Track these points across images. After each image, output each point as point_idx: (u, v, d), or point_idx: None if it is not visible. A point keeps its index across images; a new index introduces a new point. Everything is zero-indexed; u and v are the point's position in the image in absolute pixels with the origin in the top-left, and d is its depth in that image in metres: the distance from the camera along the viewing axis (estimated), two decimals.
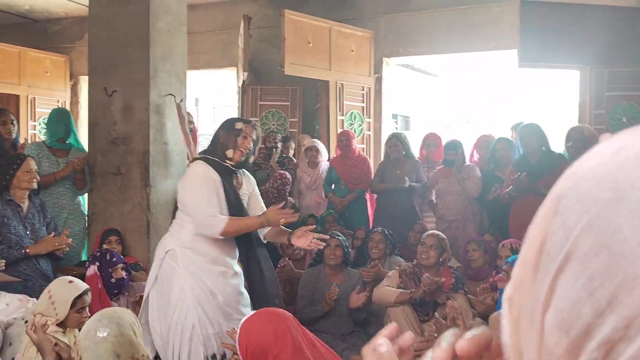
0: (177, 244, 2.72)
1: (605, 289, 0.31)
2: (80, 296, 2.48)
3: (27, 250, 3.20)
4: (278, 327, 1.84)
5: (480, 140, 5.06)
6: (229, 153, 2.74)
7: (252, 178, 3.00)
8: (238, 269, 2.88)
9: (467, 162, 4.80)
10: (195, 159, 2.86)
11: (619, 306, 0.30)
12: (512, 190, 3.96)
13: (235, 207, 2.75)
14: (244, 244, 2.83)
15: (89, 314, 2.36)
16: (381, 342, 0.54)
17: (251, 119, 3.06)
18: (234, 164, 2.76)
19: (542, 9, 4.81)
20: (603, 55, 4.74)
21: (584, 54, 4.78)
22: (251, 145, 2.78)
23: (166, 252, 2.73)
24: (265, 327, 1.85)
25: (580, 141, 4.10)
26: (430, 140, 5.20)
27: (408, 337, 0.57)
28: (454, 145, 4.71)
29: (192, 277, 2.69)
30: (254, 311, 2.02)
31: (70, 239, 3.34)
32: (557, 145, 4.44)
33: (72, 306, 2.44)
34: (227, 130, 2.77)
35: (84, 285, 2.54)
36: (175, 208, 3.19)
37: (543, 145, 4.08)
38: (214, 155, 2.75)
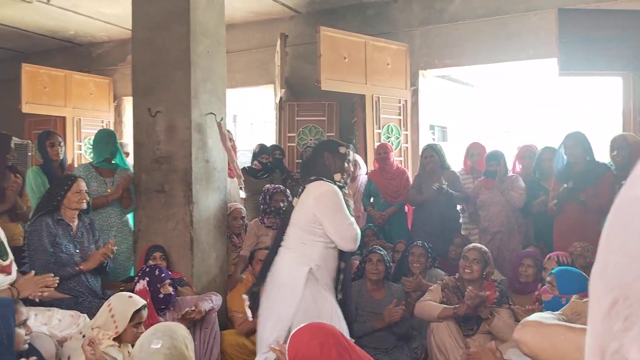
0: (313, 264, 2.74)
1: None
2: (138, 311, 2.56)
3: (80, 267, 3.32)
4: (324, 342, 1.88)
5: (522, 150, 4.99)
6: (337, 177, 2.84)
7: None
8: None
9: (510, 172, 4.73)
10: (311, 179, 2.84)
11: None
12: (556, 203, 3.89)
13: None
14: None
15: (144, 330, 2.43)
16: None
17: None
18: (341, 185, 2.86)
19: (581, 16, 4.74)
20: None
21: (625, 60, 4.68)
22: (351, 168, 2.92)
23: (308, 271, 2.72)
24: (312, 341, 1.89)
25: (625, 149, 4.00)
26: (474, 150, 5.15)
27: None
28: (496, 156, 4.65)
29: (329, 292, 2.78)
30: (305, 324, 2.05)
31: (115, 247, 3.44)
32: (601, 154, 4.34)
33: (130, 320, 2.53)
34: (332, 153, 2.86)
35: (142, 301, 2.63)
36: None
37: (587, 155, 4.00)
38: (325, 177, 2.82)
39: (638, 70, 4.72)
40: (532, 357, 0.98)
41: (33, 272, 2.84)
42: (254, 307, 2.85)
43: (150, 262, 3.63)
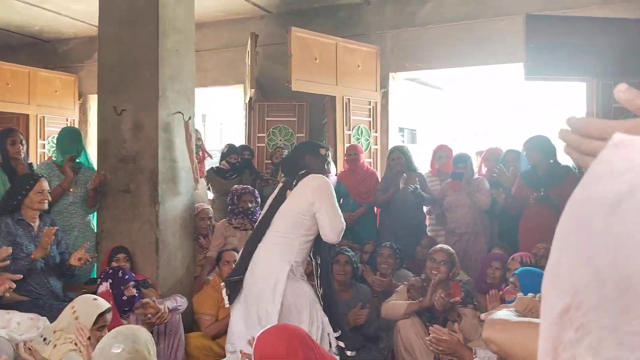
0: (293, 261, 2.83)
1: None
2: (102, 314, 2.50)
3: (32, 256, 3.21)
4: (290, 343, 1.88)
5: (487, 152, 5.05)
6: None
7: None
8: None
9: (476, 175, 4.79)
10: (303, 174, 2.93)
11: None
12: (533, 199, 3.98)
13: None
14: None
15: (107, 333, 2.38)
16: None
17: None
18: None
19: (547, 23, 4.83)
20: (609, 67, 4.74)
21: (590, 67, 4.78)
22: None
23: (289, 270, 2.79)
24: (278, 342, 1.89)
25: None
26: (442, 152, 5.20)
27: None
28: (463, 158, 4.71)
29: (307, 284, 2.89)
30: (271, 325, 2.06)
31: (88, 251, 3.37)
32: (565, 157, 4.44)
33: (94, 324, 2.47)
34: (314, 155, 2.99)
35: (106, 304, 2.58)
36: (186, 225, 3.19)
37: (551, 158, 4.08)
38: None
39: (601, 76, 4.83)
40: (501, 355, 0.99)
41: None
42: (232, 295, 2.88)
43: (114, 264, 3.56)
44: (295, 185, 2.90)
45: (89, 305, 2.54)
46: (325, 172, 2.98)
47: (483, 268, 3.86)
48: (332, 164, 5.29)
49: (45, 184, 3.42)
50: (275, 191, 3.05)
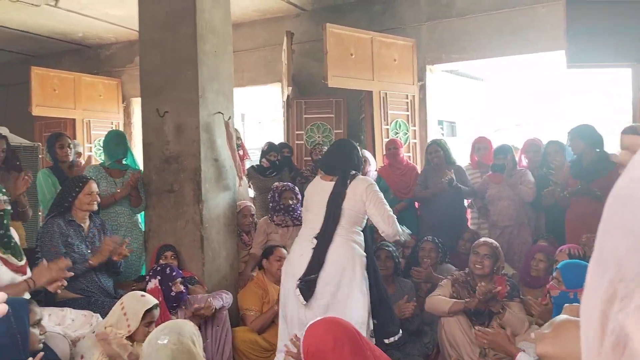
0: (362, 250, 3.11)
1: None
2: (150, 310, 2.59)
3: (90, 262, 3.34)
4: (338, 337, 1.91)
5: (527, 144, 4.96)
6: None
7: None
8: None
9: (518, 166, 4.71)
10: (354, 175, 3.15)
11: None
12: (565, 195, 3.88)
13: None
14: None
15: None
16: None
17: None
18: None
19: (589, 7, 4.69)
20: None
21: (635, 51, 4.63)
22: None
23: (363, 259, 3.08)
24: (327, 335, 1.93)
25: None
26: (480, 144, 5.12)
27: None
28: (503, 150, 4.63)
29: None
30: (322, 317, 2.10)
31: (129, 247, 3.47)
32: (612, 146, 4.31)
33: (142, 319, 2.55)
34: (357, 156, 3.24)
35: (154, 300, 2.66)
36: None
37: (597, 147, 3.97)
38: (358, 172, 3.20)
39: None
40: None
41: (44, 260, 2.87)
42: (309, 294, 3.02)
43: (162, 261, 3.66)
44: (349, 185, 3.08)
45: (137, 302, 2.63)
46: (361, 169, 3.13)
47: (527, 261, 3.80)
48: (369, 159, 5.30)
49: (93, 186, 3.54)
50: (325, 187, 3.12)
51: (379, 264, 3.66)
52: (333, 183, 3.10)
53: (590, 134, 4.00)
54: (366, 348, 1.96)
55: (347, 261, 3.01)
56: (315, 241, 3.05)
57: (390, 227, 3.03)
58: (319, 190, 3.14)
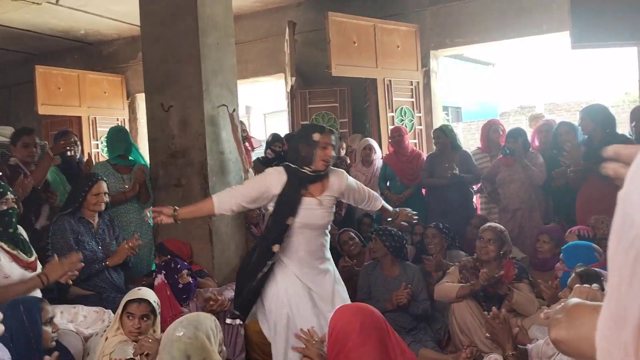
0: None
1: None
2: (133, 301, 2.59)
3: (107, 263, 3.37)
4: (365, 322, 1.94)
5: (541, 125, 4.92)
6: (312, 167, 2.74)
7: (343, 173, 2.95)
8: None
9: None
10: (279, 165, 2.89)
11: None
12: (575, 173, 3.85)
13: (287, 208, 2.75)
14: None
15: (140, 323, 2.57)
16: None
17: (323, 125, 3.03)
18: (313, 171, 2.75)
19: None
20: None
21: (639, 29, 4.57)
22: (333, 152, 2.77)
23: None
24: (354, 318, 1.96)
25: None
26: (495, 126, 5.11)
27: None
28: (515, 134, 4.59)
29: None
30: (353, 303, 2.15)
31: (140, 240, 3.47)
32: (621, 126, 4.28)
33: (123, 310, 2.60)
34: (307, 144, 2.73)
35: (145, 294, 2.63)
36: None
37: (607, 127, 3.93)
38: (295, 164, 2.76)
39: None
40: (571, 354, 0.93)
41: (56, 256, 2.89)
42: None
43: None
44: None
45: (129, 296, 2.64)
46: (322, 159, 2.72)
47: (533, 243, 3.78)
48: (374, 147, 5.28)
49: (102, 186, 3.55)
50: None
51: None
52: None
53: (601, 114, 3.96)
54: (392, 340, 1.97)
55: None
56: None
57: None
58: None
